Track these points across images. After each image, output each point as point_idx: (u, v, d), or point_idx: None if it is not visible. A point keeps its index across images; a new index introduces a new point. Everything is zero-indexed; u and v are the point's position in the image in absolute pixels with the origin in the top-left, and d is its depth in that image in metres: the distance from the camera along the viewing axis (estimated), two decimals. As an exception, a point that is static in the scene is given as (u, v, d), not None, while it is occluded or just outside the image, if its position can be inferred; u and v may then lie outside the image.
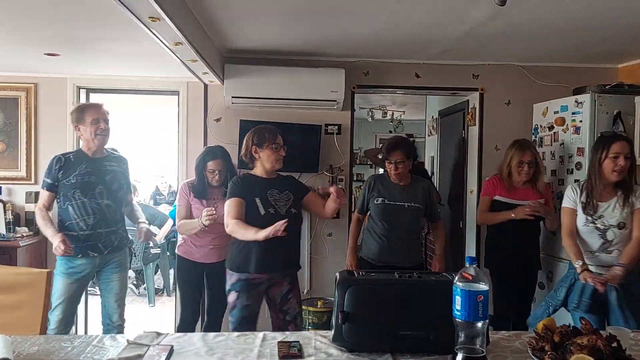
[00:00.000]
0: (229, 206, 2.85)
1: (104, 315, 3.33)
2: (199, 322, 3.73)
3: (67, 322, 3.17)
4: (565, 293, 2.96)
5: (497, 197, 3.63)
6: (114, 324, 3.29)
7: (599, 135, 3.23)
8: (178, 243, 3.60)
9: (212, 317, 3.60)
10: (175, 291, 3.95)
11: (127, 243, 3.42)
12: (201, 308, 3.73)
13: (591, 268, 2.86)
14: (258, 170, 2.94)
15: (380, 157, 3.44)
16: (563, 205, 3.08)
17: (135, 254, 3.60)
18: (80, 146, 3.35)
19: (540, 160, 3.64)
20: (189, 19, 3.01)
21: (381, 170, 3.84)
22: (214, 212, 3.19)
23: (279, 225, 2.56)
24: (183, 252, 3.52)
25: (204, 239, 3.42)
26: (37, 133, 4.57)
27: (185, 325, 3.54)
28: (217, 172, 3.44)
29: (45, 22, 3.10)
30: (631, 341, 1.81)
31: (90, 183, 3.16)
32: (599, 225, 2.89)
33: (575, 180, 3.72)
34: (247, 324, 2.80)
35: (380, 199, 3.34)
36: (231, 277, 2.87)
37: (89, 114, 3.16)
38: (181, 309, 3.62)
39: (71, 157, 3.20)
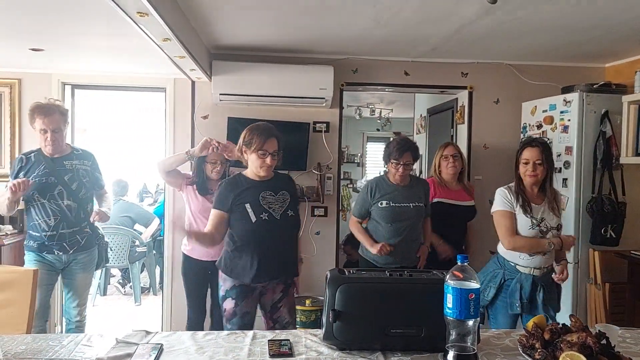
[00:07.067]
0: (211, 216, 2.71)
1: (65, 311, 3.35)
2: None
3: (43, 313, 3.16)
4: (495, 294, 2.92)
5: (437, 199, 3.63)
6: (72, 322, 3.30)
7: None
8: (184, 242, 3.56)
9: (217, 315, 3.48)
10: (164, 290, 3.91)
11: (96, 241, 3.39)
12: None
13: (526, 270, 2.87)
14: (249, 171, 2.71)
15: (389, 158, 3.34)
16: (499, 208, 2.93)
17: (110, 248, 3.53)
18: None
19: (463, 157, 3.81)
20: (177, 14, 2.98)
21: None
22: None
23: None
24: (188, 251, 3.51)
25: None
26: (20, 129, 4.49)
27: (193, 324, 3.52)
28: (218, 162, 3.43)
29: (30, 16, 3.04)
30: (619, 338, 1.83)
31: (48, 184, 3.13)
32: (542, 228, 2.87)
33: (564, 179, 3.77)
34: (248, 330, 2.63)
35: (385, 202, 3.32)
36: (225, 282, 2.71)
37: (36, 121, 3.11)
38: (188, 308, 3.60)
39: (32, 157, 3.19)
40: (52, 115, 3.10)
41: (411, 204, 3.31)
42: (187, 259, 3.53)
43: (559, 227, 2.93)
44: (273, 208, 2.65)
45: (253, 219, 2.60)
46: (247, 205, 2.61)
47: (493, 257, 3.07)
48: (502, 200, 2.94)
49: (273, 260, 2.66)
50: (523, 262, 2.89)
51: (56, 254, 3.17)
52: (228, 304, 2.69)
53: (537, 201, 2.93)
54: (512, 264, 2.92)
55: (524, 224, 2.87)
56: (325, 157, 4.53)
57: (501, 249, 2.98)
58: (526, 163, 2.90)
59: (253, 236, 2.63)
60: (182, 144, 4.41)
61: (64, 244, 3.17)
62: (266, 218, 2.61)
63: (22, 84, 4.48)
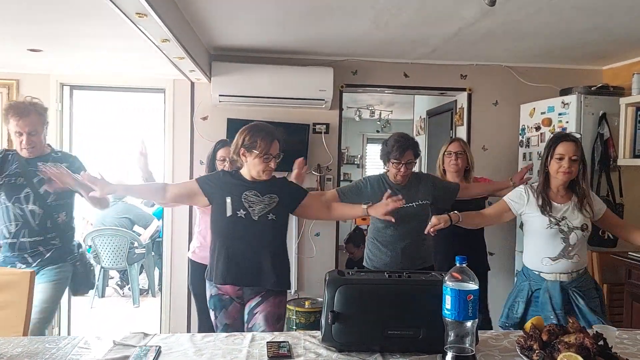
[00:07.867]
0: (183, 182, 2.94)
1: None
2: None
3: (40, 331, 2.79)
4: (524, 309, 2.69)
5: None
6: None
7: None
8: (192, 249, 3.40)
9: None
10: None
11: (67, 257, 2.95)
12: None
13: (551, 277, 2.65)
14: (244, 171, 2.61)
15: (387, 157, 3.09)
16: (505, 198, 2.83)
17: (93, 271, 3.18)
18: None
19: (470, 154, 3.63)
20: (176, 15, 2.98)
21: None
22: None
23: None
24: (201, 258, 3.22)
25: None
26: (19, 131, 4.48)
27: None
28: (227, 159, 3.28)
29: (28, 16, 3.03)
30: (617, 339, 1.83)
31: (16, 186, 2.83)
32: (562, 228, 2.66)
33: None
34: None
35: None
36: (207, 292, 2.64)
37: (10, 123, 2.81)
38: (199, 322, 3.37)
39: (9, 155, 2.91)
40: (28, 116, 2.79)
41: (414, 203, 3.07)
42: (194, 265, 3.33)
43: (583, 228, 2.68)
44: (253, 208, 2.53)
45: (229, 212, 2.52)
46: (228, 199, 2.53)
47: (520, 271, 2.88)
48: (513, 194, 2.80)
49: (245, 262, 2.54)
50: (546, 268, 2.67)
51: (18, 267, 2.80)
52: (212, 317, 2.59)
53: (560, 200, 2.71)
54: (537, 273, 2.70)
55: (541, 223, 2.69)
56: (325, 158, 4.53)
57: (525, 258, 2.80)
58: (560, 159, 2.65)
59: (226, 232, 2.56)
60: (182, 145, 4.41)
61: (25, 255, 2.83)
62: (242, 216, 2.52)
63: (20, 84, 4.46)
